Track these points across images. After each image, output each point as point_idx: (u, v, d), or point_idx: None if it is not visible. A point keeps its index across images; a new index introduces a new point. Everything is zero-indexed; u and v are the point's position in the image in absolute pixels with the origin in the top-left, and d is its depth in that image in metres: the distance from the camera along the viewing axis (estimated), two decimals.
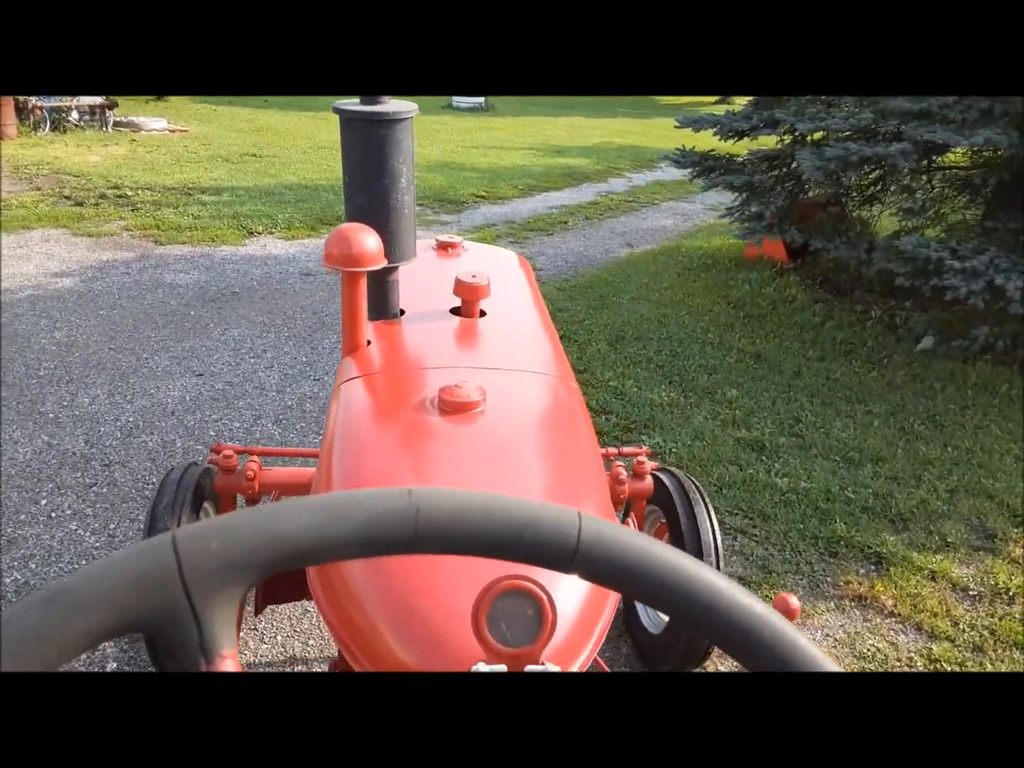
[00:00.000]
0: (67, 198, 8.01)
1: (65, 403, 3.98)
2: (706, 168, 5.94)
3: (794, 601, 1.30)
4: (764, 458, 3.78)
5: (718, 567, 2.19)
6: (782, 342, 5.15)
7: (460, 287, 2.07)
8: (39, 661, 0.40)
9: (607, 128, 16.84)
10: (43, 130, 11.49)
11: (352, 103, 1.91)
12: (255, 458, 2.32)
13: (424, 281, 2.37)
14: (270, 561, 0.45)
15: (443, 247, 2.69)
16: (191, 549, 0.43)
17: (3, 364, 4.37)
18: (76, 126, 11.98)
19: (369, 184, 1.94)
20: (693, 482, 2.37)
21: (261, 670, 2.48)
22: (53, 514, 3.12)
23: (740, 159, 5.98)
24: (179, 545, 0.43)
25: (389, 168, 1.92)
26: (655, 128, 17.28)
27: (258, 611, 2.19)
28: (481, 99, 18.65)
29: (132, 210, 7.71)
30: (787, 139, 5.17)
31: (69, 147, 10.79)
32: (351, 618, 1.18)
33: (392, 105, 1.91)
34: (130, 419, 3.88)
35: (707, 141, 6.32)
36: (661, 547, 0.48)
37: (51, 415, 3.87)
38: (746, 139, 6.03)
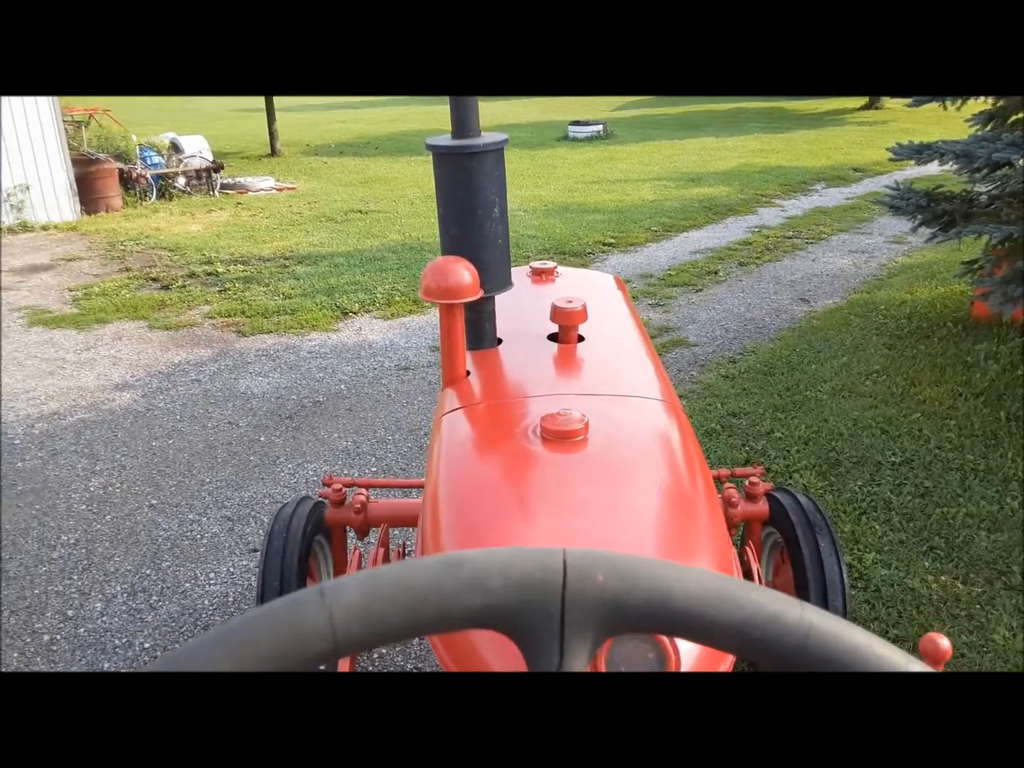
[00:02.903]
0: (154, 280, 7.26)
1: (70, 613, 2.89)
2: (938, 214, 4.32)
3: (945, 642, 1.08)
4: None
5: (843, 596, 2.04)
6: None
7: (556, 313, 2.07)
8: (433, 623, 0.42)
9: (742, 148, 15.14)
10: (149, 199, 11.08)
11: (443, 138, 1.93)
12: (363, 490, 2.38)
13: (520, 309, 2.35)
14: (648, 620, 0.43)
15: (537, 273, 2.68)
16: (578, 567, 0.43)
17: (16, 538, 3.36)
18: (183, 192, 11.54)
19: (463, 216, 1.96)
20: (814, 503, 2.21)
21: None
22: None
23: (984, 197, 4.33)
24: (568, 561, 0.43)
25: (482, 200, 1.94)
26: (797, 144, 15.43)
27: None
28: (599, 127, 17.35)
29: (220, 291, 6.84)
30: None
31: (173, 216, 10.28)
32: (454, 637, 1.19)
33: (482, 137, 1.91)
34: (147, 643, 2.73)
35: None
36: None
37: (46, 636, 2.78)
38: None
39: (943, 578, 2.83)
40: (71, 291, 6.99)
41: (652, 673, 0.96)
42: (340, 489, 2.40)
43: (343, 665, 1.68)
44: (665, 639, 0.99)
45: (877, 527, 3.14)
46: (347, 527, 2.44)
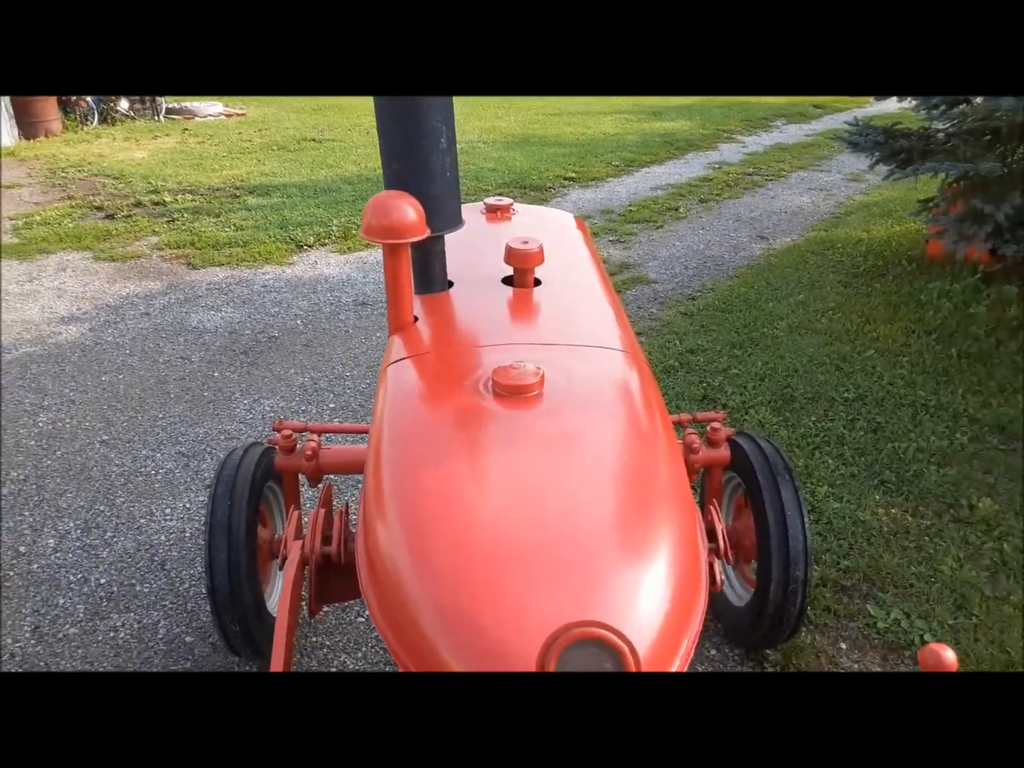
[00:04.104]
0: (98, 208, 6.97)
1: (22, 549, 2.83)
2: (895, 151, 4.32)
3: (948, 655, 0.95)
4: None
5: (804, 546, 2.00)
6: None
7: (511, 254, 1.96)
8: None
9: None
10: (91, 123, 10.56)
11: None
12: (315, 436, 2.27)
13: (473, 249, 2.24)
14: None
15: (492, 210, 2.55)
16: None
17: None
18: (126, 116, 11.02)
19: (405, 147, 1.79)
20: (775, 447, 2.16)
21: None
22: None
23: (941, 134, 4.33)
24: None
25: (426, 128, 1.76)
26: None
27: (313, 612, 1.81)
28: None
29: (168, 221, 6.60)
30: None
31: (116, 141, 9.83)
32: (405, 628, 1.14)
33: None
34: (102, 579, 2.69)
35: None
36: None
37: None
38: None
39: (893, 511, 2.92)
40: (11, 220, 6.67)
41: (622, 673, 0.92)
42: (291, 435, 2.27)
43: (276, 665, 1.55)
44: (623, 645, 0.91)
45: (830, 461, 3.21)
46: (299, 473, 2.34)
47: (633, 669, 0.91)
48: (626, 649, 0.92)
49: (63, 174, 8.13)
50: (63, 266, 5.67)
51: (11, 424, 3.63)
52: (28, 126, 9.71)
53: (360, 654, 2.40)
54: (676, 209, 7.15)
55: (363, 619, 2.53)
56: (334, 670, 2.33)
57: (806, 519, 2.04)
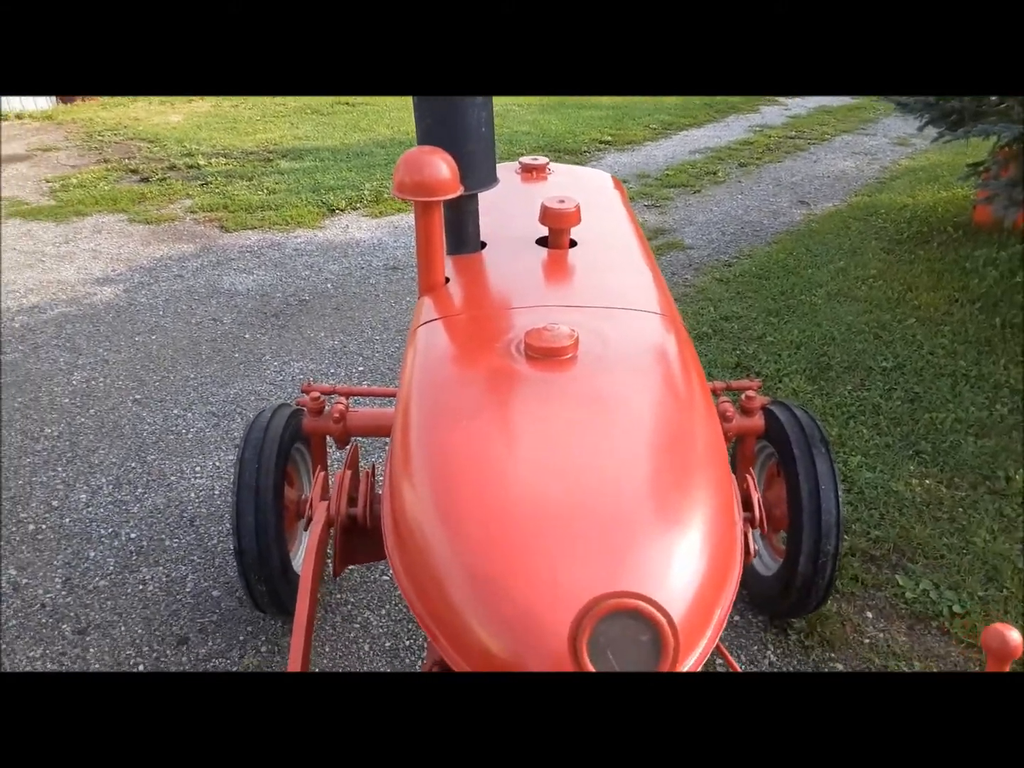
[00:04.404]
0: (133, 172, 7.01)
1: (55, 503, 2.89)
2: (946, 112, 4.15)
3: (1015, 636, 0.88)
4: None
5: (837, 520, 1.95)
6: None
7: (547, 214, 1.90)
8: None
9: None
10: None
11: None
12: (342, 399, 2.27)
13: (507, 209, 2.19)
14: None
15: (528, 170, 2.51)
16: None
17: (1, 429, 3.33)
18: None
19: (440, 101, 1.71)
20: (811, 417, 2.09)
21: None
22: None
23: (995, 97, 4.15)
24: None
25: None
26: None
27: (337, 573, 1.79)
28: None
29: (201, 185, 6.62)
30: None
31: (151, 105, 9.89)
32: (431, 593, 1.11)
33: None
34: (133, 533, 2.73)
35: None
36: None
37: (31, 526, 2.78)
38: None
39: (927, 482, 2.84)
40: (48, 182, 6.75)
41: (660, 673, 0.90)
42: (319, 398, 2.27)
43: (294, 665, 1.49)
44: (661, 618, 0.89)
45: (864, 431, 3.13)
46: (326, 436, 2.34)
47: (671, 641, 0.89)
48: (663, 621, 0.90)
49: (99, 138, 8.20)
50: (98, 228, 5.72)
51: (46, 382, 3.69)
52: None
53: (384, 611, 2.41)
54: (714, 173, 6.99)
55: (387, 577, 2.55)
56: (353, 670, 2.35)
57: (840, 493, 1.98)
